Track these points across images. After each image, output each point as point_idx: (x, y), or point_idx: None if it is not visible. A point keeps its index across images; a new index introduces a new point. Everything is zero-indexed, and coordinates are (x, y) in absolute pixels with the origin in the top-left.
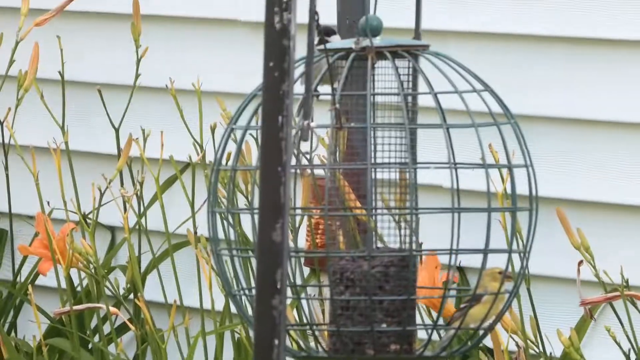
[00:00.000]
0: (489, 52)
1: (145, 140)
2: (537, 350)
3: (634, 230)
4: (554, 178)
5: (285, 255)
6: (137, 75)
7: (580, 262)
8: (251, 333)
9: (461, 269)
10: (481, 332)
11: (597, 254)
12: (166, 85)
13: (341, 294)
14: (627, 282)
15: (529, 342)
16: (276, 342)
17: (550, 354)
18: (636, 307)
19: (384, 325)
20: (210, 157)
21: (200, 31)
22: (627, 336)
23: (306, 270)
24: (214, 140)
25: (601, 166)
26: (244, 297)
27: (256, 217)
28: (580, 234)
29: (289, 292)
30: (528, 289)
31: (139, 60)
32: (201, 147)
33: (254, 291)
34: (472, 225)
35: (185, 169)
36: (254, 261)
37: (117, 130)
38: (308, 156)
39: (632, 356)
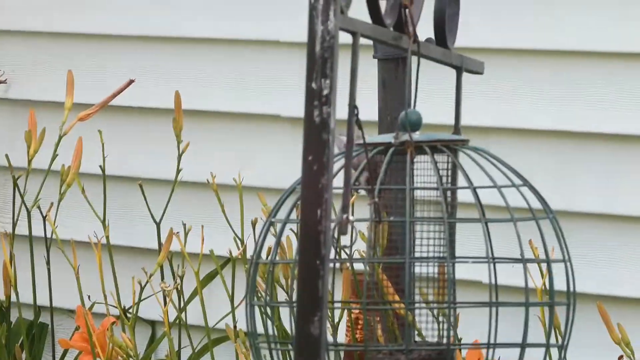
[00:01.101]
0: (528, 148)
1: (186, 234)
2: None
3: None
4: (592, 274)
5: (323, 349)
6: (179, 170)
7: (621, 357)
8: None
9: None
10: None
11: (636, 351)
12: (207, 180)
13: None
14: None
15: None
16: None
17: None
18: None
19: None
20: (250, 252)
21: (241, 126)
22: None
23: None
24: (255, 235)
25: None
26: None
27: (295, 310)
28: (620, 329)
29: None
30: None
31: (180, 155)
32: (242, 241)
33: None
34: (511, 322)
35: (226, 264)
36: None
37: (158, 225)
38: (347, 250)
39: None
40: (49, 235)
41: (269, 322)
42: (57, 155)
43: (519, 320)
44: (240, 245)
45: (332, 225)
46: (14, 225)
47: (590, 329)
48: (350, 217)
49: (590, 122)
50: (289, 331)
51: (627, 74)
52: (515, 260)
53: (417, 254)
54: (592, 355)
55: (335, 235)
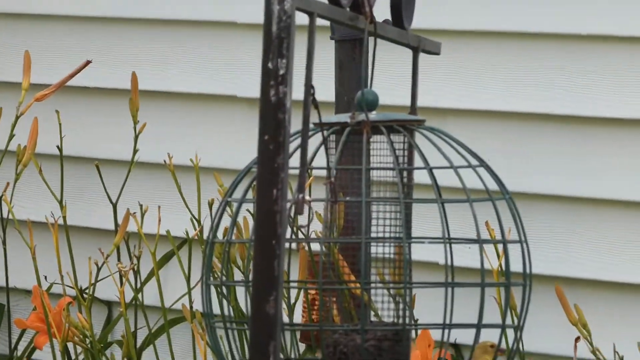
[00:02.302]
0: (486, 130)
1: (142, 215)
2: None
3: (629, 309)
4: (550, 256)
5: (278, 328)
6: (135, 151)
7: (578, 339)
8: None
9: (455, 346)
10: None
11: (592, 332)
12: (164, 161)
13: None
14: (622, 359)
15: None
16: None
17: None
18: None
19: None
20: (207, 233)
21: (198, 107)
22: None
23: (302, 347)
24: (212, 215)
25: (599, 244)
26: None
27: (251, 289)
28: (577, 310)
29: None
30: None
31: (136, 136)
32: (199, 222)
33: None
34: (466, 302)
35: (183, 244)
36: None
37: (114, 206)
38: (304, 230)
39: None
40: (5, 216)
41: (225, 302)
42: (13, 135)
43: (475, 302)
44: (197, 225)
45: (288, 205)
46: None
47: (547, 310)
48: (307, 197)
49: (547, 104)
50: (245, 311)
51: (580, 56)
52: (472, 241)
53: (373, 235)
54: (549, 336)
55: (292, 215)
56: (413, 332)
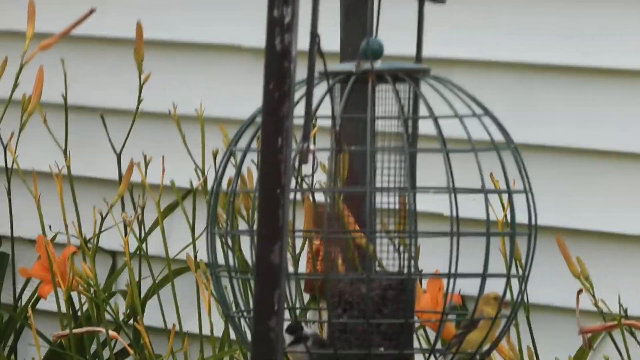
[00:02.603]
0: (491, 81)
1: (146, 165)
2: None
3: (633, 260)
4: (555, 207)
5: (283, 277)
6: (140, 101)
7: (580, 291)
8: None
9: (461, 297)
10: (478, 357)
11: (596, 284)
12: (169, 111)
13: (339, 317)
14: (625, 311)
15: None
16: None
17: None
18: (635, 337)
19: (382, 349)
20: (211, 183)
21: (203, 57)
22: None
23: (307, 298)
24: (216, 166)
25: (601, 196)
26: (242, 320)
27: (255, 239)
28: (580, 263)
29: (287, 315)
30: (527, 317)
31: (141, 86)
32: (203, 172)
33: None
34: (471, 253)
35: (187, 195)
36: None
37: (118, 156)
38: (308, 179)
39: None
40: (9, 165)
41: (230, 252)
42: (18, 84)
43: (479, 254)
44: (201, 176)
45: (293, 154)
46: None
47: (551, 262)
48: (311, 147)
49: (553, 55)
50: (250, 262)
51: (585, 10)
52: (477, 191)
53: (377, 185)
54: (551, 288)
55: (296, 164)
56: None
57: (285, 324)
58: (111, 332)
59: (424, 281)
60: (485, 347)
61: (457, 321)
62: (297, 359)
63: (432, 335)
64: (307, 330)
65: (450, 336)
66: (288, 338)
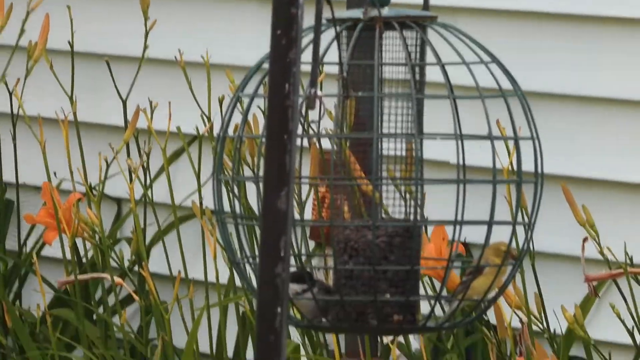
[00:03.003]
0: (497, 29)
1: (152, 112)
2: (541, 327)
3: (638, 208)
4: (560, 155)
5: (289, 223)
6: (146, 47)
7: (585, 239)
8: (255, 304)
9: (466, 245)
10: (484, 304)
11: (602, 232)
12: (175, 58)
13: (345, 264)
14: (631, 259)
15: (532, 318)
16: (279, 310)
17: (554, 330)
18: None
19: (388, 296)
20: (217, 130)
21: (210, 3)
22: (631, 313)
23: (312, 245)
24: (222, 112)
25: (607, 144)
26: (248, 267)
27: (261, 185)
28: (585, 211)
29: (293, 262)
30: (533, 265)
31: (147, 32)
32: (209, 119)
33: (258, 260)
34: (477, 202)
35: (193, 141)
36: (258, 231)
37: (124, 102)
38: (315, 126)
39: (636, 333)
40: (15, 112)
41: (236, 199)
42: (24, 31)
43: (485, 202)
44: (207, 122)
45: (300, 100)
46: None
47: (556, 210)
48: (319, 92)
49: (559, 3)
50: (255, 209)
51: None
52: (483, 138)
53: (384, 131)
54: (557, 236)
55: (303, 110)
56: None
57: (291, 272)
58: (116, 279)
59: (429, 230)
60: (491, 294)
61: (463, 268)
62: (302, 306)
63: (437, 284)
64: (313, 278)
65: (454, 286)
66: (295, 287)
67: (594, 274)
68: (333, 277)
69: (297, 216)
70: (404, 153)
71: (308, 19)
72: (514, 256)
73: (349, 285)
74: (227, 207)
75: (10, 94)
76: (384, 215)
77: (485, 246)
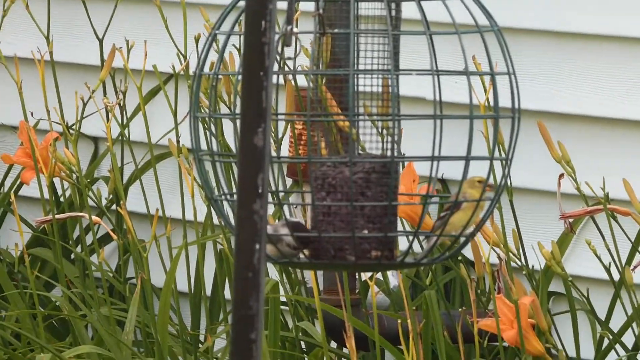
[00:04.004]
0: None
1: (129, 50)
2: (519, 263)
3: (615, 144)
4: (535, 91)
5: (267, 160)
6: None
7: (561, 175)
8: (233, 242)
9: (443, 182)
10: (462, 240)
11: (580, 168)
12: None
13: (323, 200)
14: (607, 195)
15: (510, 254)
16: (257, 246)
17: (533, 266)
18: (617, 221)
19: (365, 232)
20: (193, 68)
21: None
22: (608, 250)
23: (289, 182)
24: (198, 51)
25: (583, 79)
26: (225, 204)
27: (238, 122)
28: (561, 147)
29: (270, 199)
30: (511, 201)
31: None
32: (185, 57)
33: (235, 197)
34: (454, 139)
35: (169, 79)
36: (235, 168)
37: (100, 41)
38: (291, 62)
39: (613, 269)
40: None
41: (212, 136)
42: None
43: (462, 138)
44: (183, 60)
45: (276, 37)
46: None
47: (534, 146)
48: (295, 29)
49: None
50: (232, 146)
51: None
52: (460, 73)
53: (360, 67)
54: (535, 172)
55: (279, 48)
56: (400, 165)
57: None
58: (94, 218)
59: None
60: (469, 230)
61: (441, 204)
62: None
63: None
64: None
65: (428, 227)
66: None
67: (570, 212)
68: (311, 213)
69: (273, 153)
70: (380, 89)
71: None
72: (490, 188)
73: (327, 221)
74: (204, 145)
75: None
76: (360, 152)
77: (463, 181)
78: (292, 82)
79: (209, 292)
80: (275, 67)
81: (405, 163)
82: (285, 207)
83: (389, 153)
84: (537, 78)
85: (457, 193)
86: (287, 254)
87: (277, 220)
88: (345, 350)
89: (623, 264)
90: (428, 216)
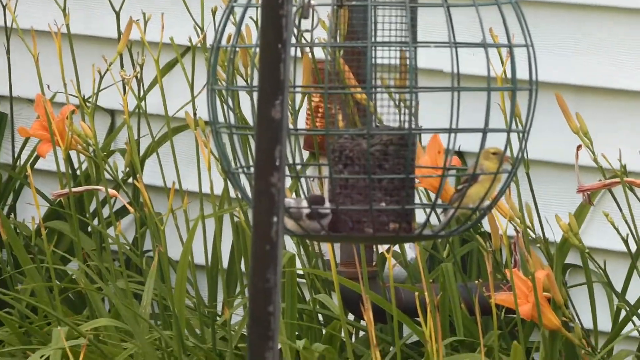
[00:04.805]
0: None
1: (145, 23)
2: (536, 235)
3: (632, 116)
4: (554, 62)
5: (284, 132)
6: None
7: (579, 147)
8: (250, 215)
9: (460, 154)
10: (479, 212)
11: (598, 140)
12: None
13: (340, 173)
14: (624, 167)
15: (527, 227)
16: (275, 219)
17: (548, 239)
18: (634, 193)
19: (383, 204)
20: (211, 41)
21: None
22: (626, 222)
23: (306, 155)
24: (215, 23)
25: (602, 51)
26: (242, 177)
27: (255, 95)
28: (579, 119)
29: (287, 172)
30: (527, 174)
31: None
32: (202, 29)
33: (252, 170)
34: (471, 112)
35: (186, 52)
36: (252, 141)
37: (117, 14)
38: (308, 35)
39: (631, 241)
40: (9, 25)
41: (229, 109)
42: None
43: (480, 111)
44: (200, 33)
45: (294, 9)
46: None
47: (551, 118)
48: (312, 2)
49: None
50: (249, 119)
51: None
52: (478, 45)
53: (378, 40)
54: (552, 143)
55: (297, 20)
56: (418, 137)
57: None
58: (111, 191)
59: (425, 140)
60: (486, 203)
61: (458, 177)
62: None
63: (432, 194)
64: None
65: (448, 197)
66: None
67: (588, 185)
68: (328, 186)
69: (290, 126)
70: (397, 62)
71: None
72: (507, 160)
73: (344, 194)
74: (221, 118)
75: (4, 7)
76: (378, 124)
77: (480, 153)
78: (310, 54)
79: (225, 264)
80: (293, 40)
81: (426, 135)
82: (303, 180)
83: (406, 125)
84: (555, 50)
85: (474, 166)
86: (311, 229)
87: (293, 194)
88: (362, 322)
89: None
90: (448, 184)
